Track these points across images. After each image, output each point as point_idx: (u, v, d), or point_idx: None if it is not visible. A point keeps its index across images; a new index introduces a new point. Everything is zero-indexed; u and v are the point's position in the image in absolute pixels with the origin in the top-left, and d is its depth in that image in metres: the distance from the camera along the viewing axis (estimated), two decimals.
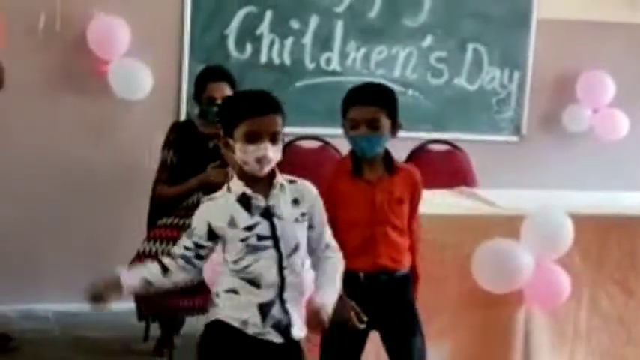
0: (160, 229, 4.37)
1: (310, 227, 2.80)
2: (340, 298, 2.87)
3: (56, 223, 5.19)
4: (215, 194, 2.81)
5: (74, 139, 5.18)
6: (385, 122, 3.05)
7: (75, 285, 5.12)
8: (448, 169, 5.15)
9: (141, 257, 4.28)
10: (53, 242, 5.20)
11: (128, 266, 4.32)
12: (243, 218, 2.71)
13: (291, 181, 2.80)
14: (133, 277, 2.84)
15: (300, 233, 2.77)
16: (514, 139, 5.99)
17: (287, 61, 5.48)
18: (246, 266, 2.72)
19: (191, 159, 4.47)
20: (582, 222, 3.80)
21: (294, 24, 5.47)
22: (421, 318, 3.22)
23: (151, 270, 2.82)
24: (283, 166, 5.13)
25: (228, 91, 4.49)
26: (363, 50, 5.61)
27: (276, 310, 2.73)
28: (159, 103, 5.24)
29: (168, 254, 2.83)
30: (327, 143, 5.26)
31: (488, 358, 3.88)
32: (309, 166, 4.97)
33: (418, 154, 5.18)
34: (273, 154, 2.70)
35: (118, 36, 5.09)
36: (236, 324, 2.74)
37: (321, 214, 2.84)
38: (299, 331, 2.79)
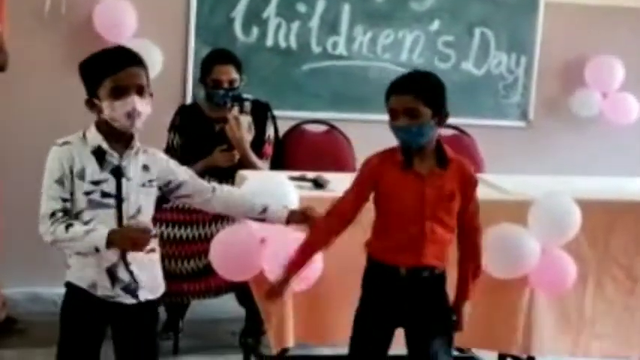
0: (165, 212, 4.37)
1: (179, 186, 2.86)
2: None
3: None
4: (69, 138, 2.77)
5: (80, 121, 5.15)
6: (425, 111, 2.89)
7: None
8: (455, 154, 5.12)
9: None
10: None
11: None
12: (93, 171, 2.71)
13: (144, 150, 2.83)
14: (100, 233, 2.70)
15: (145, 198, 2.78)
16: (521, 124, 5.97)
17: (293, 44, 5.46)
18: (86, 222, 2.69)
19: (197, 142, 4.47)
20: (589, 207, 3.78)
21: (301, 7, 5.44)
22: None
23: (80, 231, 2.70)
24: (289, 150, 5.16)
25: (234, 74, 4.50)
26: (369, 34, 5.58)
27: (122, 273, 2.75)
28: (165, 85, 5.21)
29: (53, 221, 2.69)
30: (333, 127, 5.24)
31: (490, 341, 3.87)
32: (315, 150, 5.00)
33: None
34: (142, 107, 2.71)
35: (124, 19, 5.07)
36: (84, 285, 2.76)
37: (182, 171, 2.89)
38: (147, 293, 2.81)
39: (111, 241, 2.66)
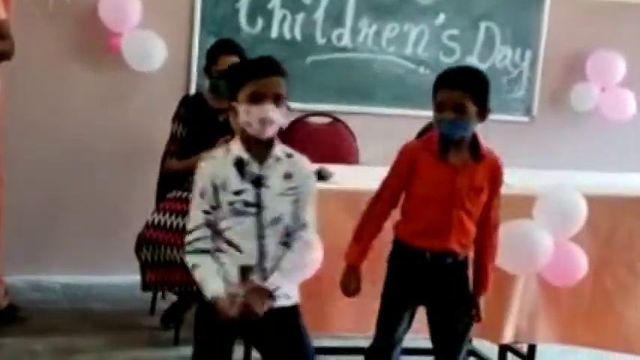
0: (169, 202, 4.38)
1: (296, 201, 2.85)
2: (349, 269, 3.05)
3: (66, 195, 5.20)
4: (215, 152, 2.88)
5: (84, 112, 5.18)
6: (471, 107, 3.00)
7: (83, 257, 5.21)
8: None
9: (149, 229, 4.30)
10: (62, 215, 5.22)
11: (137, 238, 4.35)
12: (235, 182, 2.79)
13: (288, 155, 2.88)
14: (216, 286, 2.75)
15: (285, 206, 2.82)
16: (525, 119, 5.97)
17: (298, 36, 5.46)
18: (227, 228, 2.79)
19: (200, 132, 4.47)
20: (593, 202, 3.78)
21: None
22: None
23: (210, 265, 2.78)
24: (293, 142, 5.14)
25: None
26: (374, 27, 5.58)
27: (256, 278, 2.79)
28: (169, 76, 5.23)
29: (194, 237, 2.79)
30: (337, 119, 5.24)
31: (486, 330, 3.88)
32: (319, 142, 5.00)
33: (429, 132, 5.14)
34: (276, 116, 2.77)
35: (129, 8, 5.07)
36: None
37: (309, 192, 2.88)
38: (283, 300, 2.82)
39: (214, 308, 2.71)
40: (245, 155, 2.80)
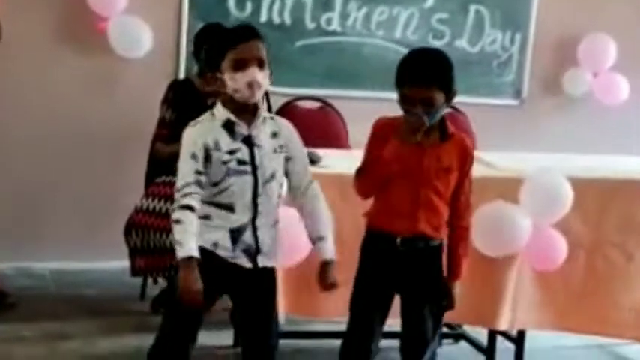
0: (157, 187, 4.37)
1: (289, 159, 2.96)
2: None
3: (54, 181, 5.18)
4: (199, 119, 2.94)
5: (72, 96, 5.16)
6: (439, 97, 3.00)
7: (72, 243, 5.19)
8: None
9: (138, 214, 4.29)
10: (51, 200, 5.20)
11: (125, 223, 4.34)
12: (226, 142, 2.86)
13: (271, 117, 3.00)
14: (193, 246, 2.79)
15: (277, 163, 2.93)
16: (514, 102, 5.97)
17: (287, 20, 5.44)
18: (225, 189, 2.85)
19: (189, 116, 4.39)
20: (582, 185, 3.79)
21: None
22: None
23: (192, 225, 2.81)
24: None
25: None
26: (364, 10, 5.56)
27: (247, 236, 2.88)
28: (158, 60, 5.21)
29: (183, 193, 2.83)
30: (326, 103, 5.23)
31: (478, 317, 3.89)
32: (308, 126, 4.97)
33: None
34: (262, 79, 2.86)
35: None
36: (208, 246, 2.86)
37: (300, 148, 3.00)
38: (266, 260, 2.92)
39: (180, 268, 2.78)
40: (232, 117, 2.88)
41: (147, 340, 3.03)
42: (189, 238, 2.77)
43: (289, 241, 3.17)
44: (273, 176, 2.91)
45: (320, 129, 5.03)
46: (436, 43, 5.63)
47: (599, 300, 4.03)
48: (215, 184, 2.86)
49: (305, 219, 3.01)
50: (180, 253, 2.77)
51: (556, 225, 3.79)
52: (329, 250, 2.96)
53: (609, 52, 5.89)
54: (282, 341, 3.54)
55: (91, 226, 5.20)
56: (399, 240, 3.09)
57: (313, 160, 3.78)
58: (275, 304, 3.02)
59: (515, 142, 5.54)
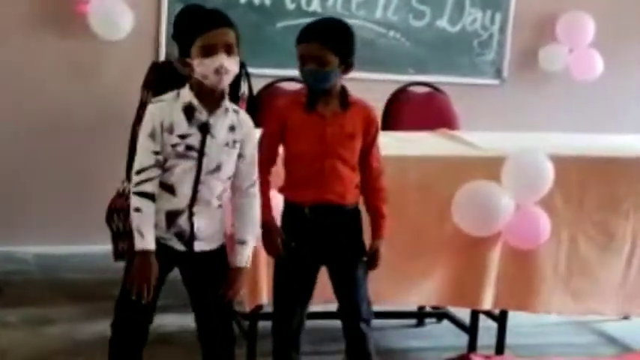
0: None
1: (240, 156, 2.96)
2: (265, 226, 3.08)
3: (36, 165, 5.16)
4: (164, 96, 2.93)
5: (53, 80, 5.13)
6: (332, 59, 3.09)
7: (56, 227, 5.18)
8: (429, 112, 5.11)
9: (120, 198, 4.28)
10: (34, 185, 5.18)
11: (107, 207, 4.34)
12: (181, 127, 2.87)
13: (235, 110, 2.98)
14: (152, 239, 2.85)
15: (226, 157, 2.93)
16: (495, 82, 5.98)
17: (267, 1, 5.42)
18: (168, 169, 2.88)
19: None
20: (563, 163, 3.80)
21: None
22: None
23: (152, 216, 2.86)
24: (263, 108, 5.14)
25: None
26: None
27: (182, 220, 2.91)
28: (138, 43, 5.18)
29: (142, 178, 2.85)
30: None
31: (462, 298, 3.91)
32: None
33: (399, 96, 5.14)
34: (230, 65, 2.85)
35: None
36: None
37: (253, 148, 3.00)
38: (205, 244, 2.95)
39: (137, 258, 2.84)
40: (195, 101, 2.88)
41: None
42: (149, 229, 2.83)
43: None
44: (218, 168, 2.92)
45: None
46: (417, 23, 5.64)
47: (585, 278, 4.04)
48: (163, 166, 2.89)
49: (235, 219, 3.03)
50: (140, 244, 2.83)
51: (538, 203, 3.80)
52: (245, 256, 2.99)
53: (587, 29, 5.91)
54: (264, 322, 3.57)
55: (75, 211, 5.19)
56: (307, 210, 3.17)
57: None
58: (223, 285, 2.97)
59: (497, 120, 5.56)
